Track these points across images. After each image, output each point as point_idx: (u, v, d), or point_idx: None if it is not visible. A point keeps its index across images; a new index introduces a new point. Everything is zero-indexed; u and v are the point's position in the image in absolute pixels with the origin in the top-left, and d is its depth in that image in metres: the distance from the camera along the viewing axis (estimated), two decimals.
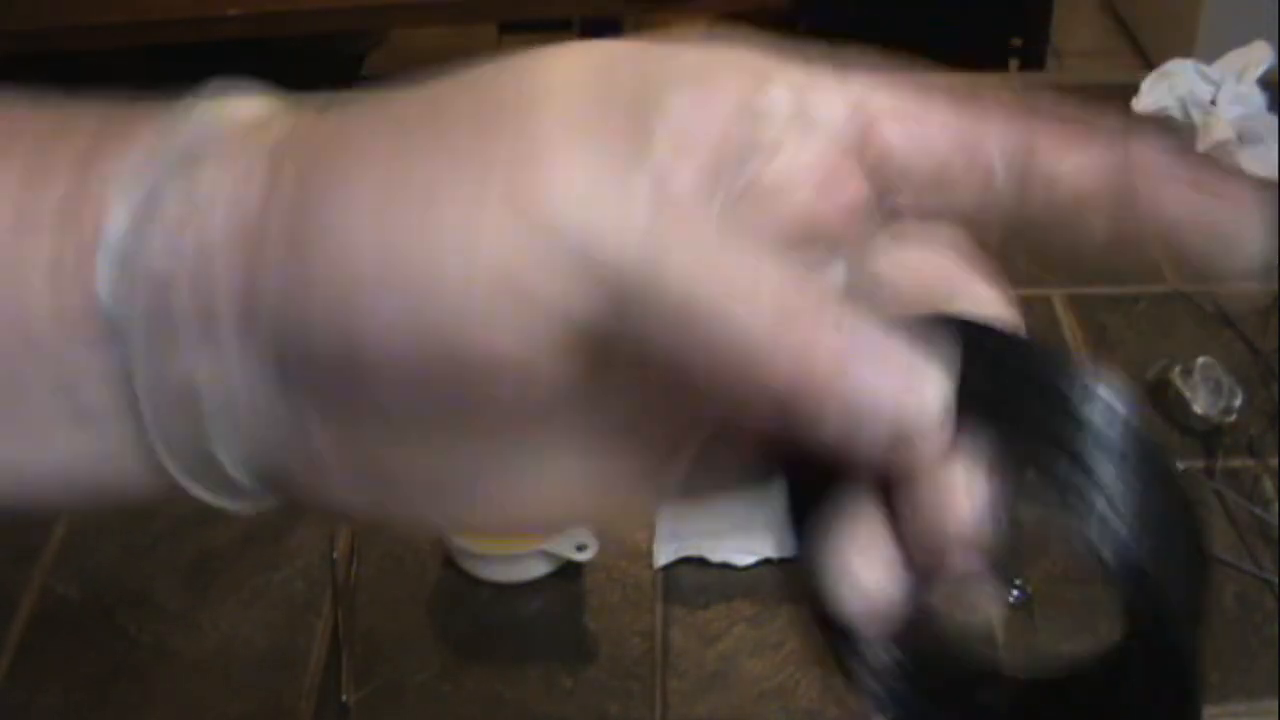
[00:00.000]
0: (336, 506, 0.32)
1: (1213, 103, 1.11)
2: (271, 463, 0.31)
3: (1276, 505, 0.82)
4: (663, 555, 0.79)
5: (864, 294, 0.30)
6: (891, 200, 0.30)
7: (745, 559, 0.79)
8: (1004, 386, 0.29)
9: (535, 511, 0.33)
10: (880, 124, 0.29)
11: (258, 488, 0.31)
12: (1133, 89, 1.16)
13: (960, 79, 0.32)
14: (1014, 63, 2.04)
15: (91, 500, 0.33)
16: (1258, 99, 1.11)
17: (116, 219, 0.29)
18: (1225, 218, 0.29)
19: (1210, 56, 1.16)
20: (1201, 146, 1.10)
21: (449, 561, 0.79)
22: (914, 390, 0.26)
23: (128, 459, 0.31)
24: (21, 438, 0.32)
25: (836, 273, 0.30)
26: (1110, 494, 0.28)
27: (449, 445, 0.30)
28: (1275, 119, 1.11)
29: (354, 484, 0.31)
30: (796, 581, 0.37)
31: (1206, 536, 0.33)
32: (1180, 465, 0.83)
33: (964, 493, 0.28)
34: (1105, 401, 0.28)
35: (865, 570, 0.29)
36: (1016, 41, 2.04)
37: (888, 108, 0.29)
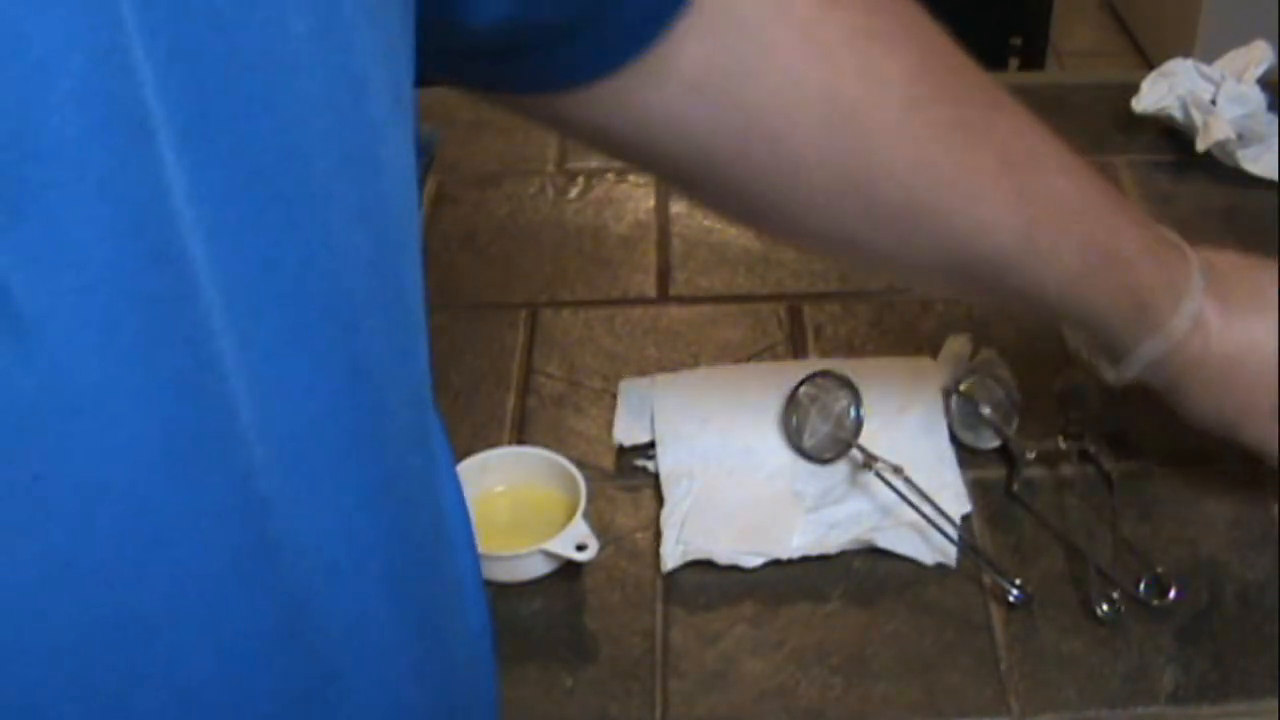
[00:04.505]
0: None
1: (1213, 103, 1.11)
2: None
3: (1276, 505, 0.82)
4: (670, 559, 0.79)
5: None
6: None
7: (753, 560, 0.79)
8: None
9: None
10: None
11: None
12: (1133, 89, 1.16)
13: None
14: (1014, 63, 2.04)
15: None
16: (1258, 99, 1.11)
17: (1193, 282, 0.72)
18: None
19: (1210, 56, 1.16)
20: (1201, 146, 1.10)
21: None
22: None
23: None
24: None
25: None
26: None
27: None
28: (1275, 119, 1.11)
29: None
30: None
31: None
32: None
33: None
34: None
35: None
36: (1016, 41, 2.04)
37: None
